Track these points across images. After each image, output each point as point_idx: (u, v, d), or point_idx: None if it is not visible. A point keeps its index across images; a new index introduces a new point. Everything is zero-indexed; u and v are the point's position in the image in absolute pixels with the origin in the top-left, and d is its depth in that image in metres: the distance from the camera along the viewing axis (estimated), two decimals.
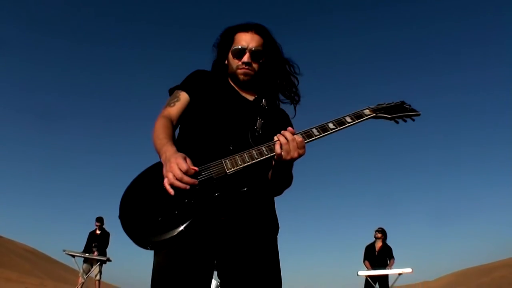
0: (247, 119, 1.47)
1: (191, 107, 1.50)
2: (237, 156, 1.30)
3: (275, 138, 1.31)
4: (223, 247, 1.35)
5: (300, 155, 1.31)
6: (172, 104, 1.48)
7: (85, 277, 8.06)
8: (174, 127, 1.44)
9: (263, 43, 1.54)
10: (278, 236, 1.48)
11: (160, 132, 1.37)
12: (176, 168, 1.19)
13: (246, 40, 1.51)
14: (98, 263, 8.18)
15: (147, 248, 1.22)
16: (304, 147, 1.31)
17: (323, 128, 1.35)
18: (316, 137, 1.34)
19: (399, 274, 7.37)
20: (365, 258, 8.14)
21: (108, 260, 8.14)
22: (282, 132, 1.31)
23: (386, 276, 7.63)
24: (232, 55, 1.53)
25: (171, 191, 1.20)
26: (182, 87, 1.53)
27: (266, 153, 1.30)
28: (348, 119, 1.38)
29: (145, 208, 1.26)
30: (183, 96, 1.50)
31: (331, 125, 1.36)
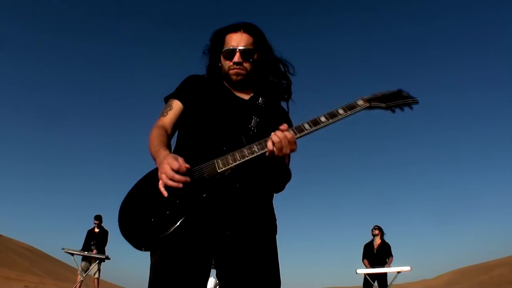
0: (241, 118, 1.47)
1: (186, 113, 1.53)
2: (229, 156, 1.31)
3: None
4: (221, 245, 1.35)
5: (292, 151, 1.30)
6: (165, 114, 1.51)
7: (84, 275, 8.07)
8: (169, 136, 1.47)
9: (253, 41, 1.54)
10: (277, 235, 1.48)
11: (154, 139, 1.40)
12: (168, 168, 1.22)
13: (236, 40, 1.52)
14: (97, 261, 8.20)
15: (141, 249, 1.25)
16: (295, 143, 1.30)
17: (315, 122, 1.33)
18: (308, 131, 1.32)
19: (398, 272, 7.39)
20: (364, 257, 8.16)
21: (107, 258, 8.17)
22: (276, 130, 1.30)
23: (385, 274, 7.65)
24: (223, 56, 1.54)
25: (165, 193, 1.23)
26: (174, 95, 1.56)
27: (257, 151, 1.30)
28: (341, 111, 1.35)
29: (140, 212, 1.30)
30: (176, 104, 1.53)
31: (323, 119, 1.33)
